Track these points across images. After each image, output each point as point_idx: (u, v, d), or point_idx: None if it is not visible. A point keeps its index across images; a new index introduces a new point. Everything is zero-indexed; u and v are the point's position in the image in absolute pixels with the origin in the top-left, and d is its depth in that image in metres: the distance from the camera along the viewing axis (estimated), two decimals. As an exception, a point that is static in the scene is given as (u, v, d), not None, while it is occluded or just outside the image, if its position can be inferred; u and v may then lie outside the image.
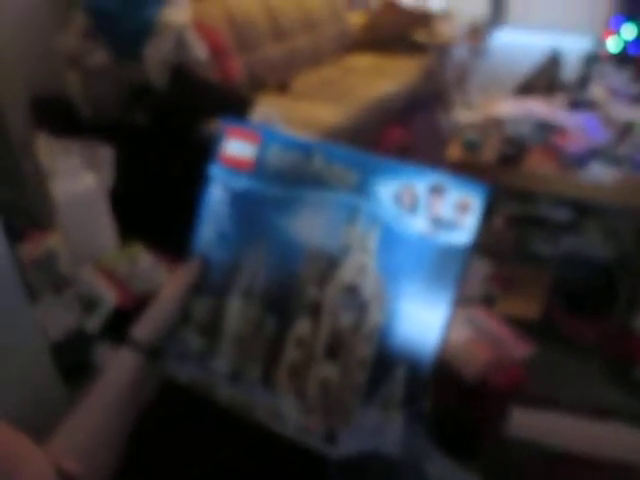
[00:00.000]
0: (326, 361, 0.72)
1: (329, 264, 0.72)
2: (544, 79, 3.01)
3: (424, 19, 3.25)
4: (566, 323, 1.73)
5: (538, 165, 1.67)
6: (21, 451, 0.43)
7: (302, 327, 0.73)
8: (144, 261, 0.97)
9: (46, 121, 1.78)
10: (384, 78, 3.01)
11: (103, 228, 1.00)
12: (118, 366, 0.71)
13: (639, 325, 1.68)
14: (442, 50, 3.21)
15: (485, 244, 1.88)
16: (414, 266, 0.67)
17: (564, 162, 1.65)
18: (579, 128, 1.73)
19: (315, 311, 0.72)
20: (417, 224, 0.67)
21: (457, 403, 1.25)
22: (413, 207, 0.67)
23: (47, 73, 2.08)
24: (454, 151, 1.79)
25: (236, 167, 0.76)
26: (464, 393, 1.25)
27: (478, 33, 3.40)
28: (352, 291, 0.70)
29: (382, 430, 0.70)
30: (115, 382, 0.70)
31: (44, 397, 0.76)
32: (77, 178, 0.97)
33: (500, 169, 1.71)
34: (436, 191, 0.66)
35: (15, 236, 1.04)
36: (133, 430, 0.72)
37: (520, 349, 1.34)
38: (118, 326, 0.90)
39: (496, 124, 1.80)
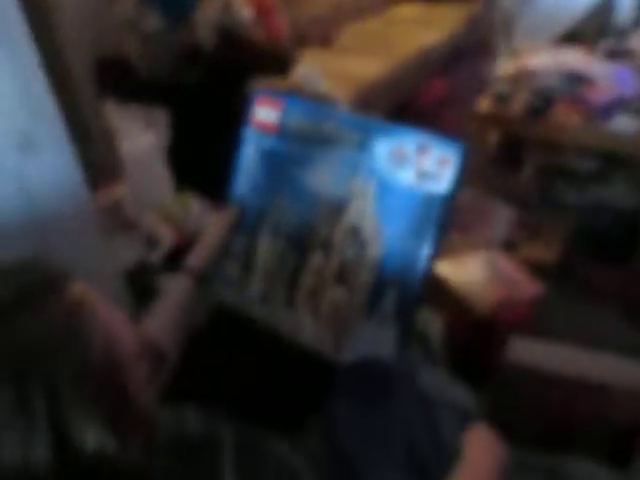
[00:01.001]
0: (336, 286, 0.90)
1: (337, 209, 0.89)
2: (594, 25, 2.95)
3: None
4: (587, 269, 1.82)
5: (564, 117, 1.74)
6: (120, 328, 0.58)
7: (317, 259, 0.91)
8: (194, 207, 1.16)
9: (108, 82, 1.99)
10: (428, 28, 3.03)
11: (160, 180, 1.20)
12: (175, 288, 0.91)
13: (659, 271, 1.76)
14: (488, -3, 3.17)
15: (512, 192, 1.98)
16: (404, 210, 0.83)
17: (590, 114, 1.71)
18: (609, 79, 1.76)
19: (327, 246, 0.90)
20: (406, 176, 0.83)
21: (469, 336, 1.41)
22: (403, 162, 0.83)
23: (109, 37, 2.28)
24: (484, 103, 1.87)
25: (264, 130, 0.93)
26: (476, 327, 1.41)
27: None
28: (355, 230, 0.87)
29: (379, 341, 0.87)
30: (173, 301, 0.91)
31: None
32: (137, 138, 1.16)
33: (527, 121, 1.79)
34: (422, 149, 0.81)
35: (90, 186, 1.25)
36: (187, 345, 0.92)
37: (530, 289, 1.47)
38: (175, 259, 1.11)
39: (527, 76, 1.86)
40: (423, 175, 0.81)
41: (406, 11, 3.32)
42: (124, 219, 1.22)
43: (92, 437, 0.47)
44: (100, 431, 0.47)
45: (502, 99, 1.84)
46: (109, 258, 1.07)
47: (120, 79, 2.14)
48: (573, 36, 2.84)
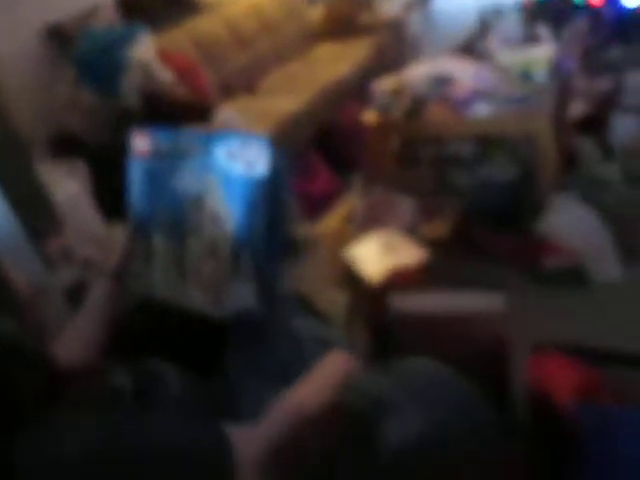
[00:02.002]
0: (209, 259, 1.19)
1: (199, 202, 1.18)
2: (481, 34, 3.34)
3: (366, 2, 3.63)
4: (482, 239, 2.11)
5: (435, 114, 2.07)
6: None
7: (193, 243, 1.20)
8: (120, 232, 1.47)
9: (61, 151, 2.33)
10: (341, 62, 3.42)
11: (91, 216, 1.50)
12: (96, 291, 1.20)
13: (540, 229, 2.05)
14: (391, 27, 3.58)
15: (412, 185, 2.29)
16: (243, 193, 1.13)
17: (454, 107, 2.04)
18: (468, 77, 2.10)
19: (197, 231, 1.19)
20: (238, 168, 1.13)
21: (366, 300, 1.67)
22: (234, 159, 1.13)
23: (58, 115, 2.63)
24: (369, 115, 2.20)
25: (141, 156, 1.24)
26: (372, 296, 1.67)
27: (420, 2, 3.75)
28: (214, 215, 1.17)
29: (245, 296, 1.15)
30: (93, 301, 1.19)
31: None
32: (64, 186, 1.47)
33: (407, 123, 2.11)
34: (244, 146, 1.12)
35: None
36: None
37: (419, 257, 1.75)
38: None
39: (404, 86, 2.20)
40: (249, 166, 1.11)
41: (322, 51, 3.73)
42: (65, 252, 1.51)
43: None
44: None
45: (385, 109, 2.17)
46: (51, 282, 1.36)
47: (72, 149, 2.49)
48: (467, 47, 3.23)
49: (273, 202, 1.14)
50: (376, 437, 0.79)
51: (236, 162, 1.14)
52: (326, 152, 3.08)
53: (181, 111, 2.42)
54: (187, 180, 1.20)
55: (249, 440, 0.81)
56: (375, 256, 1.78)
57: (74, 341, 1.11)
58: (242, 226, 1.14)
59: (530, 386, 1.29)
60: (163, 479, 0.75)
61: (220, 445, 0.75)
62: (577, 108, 2.61)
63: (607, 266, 2.05)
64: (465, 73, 2.16)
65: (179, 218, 1.21)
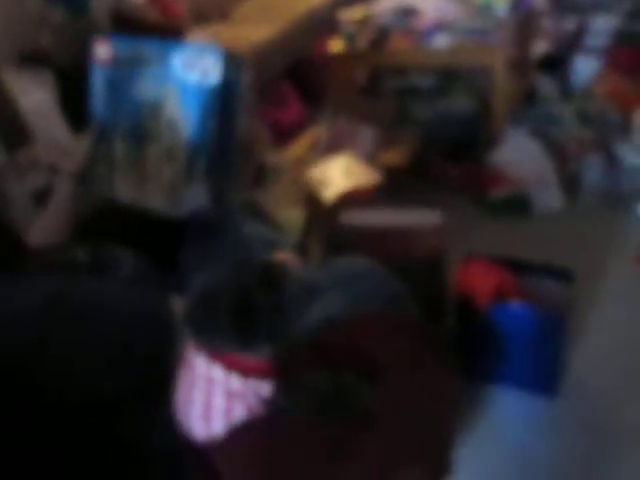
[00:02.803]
0: (167, 163, 1.29)
1: (158, 109, 1.27)
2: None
3: None
4: (436, 167, 2.23)
5: (398, 45, 2.13)
6: None
7: (152, 148, 1.30)
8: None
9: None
10: (317, -7, 3.40)
11: (57, 125, 1.58)
12: (59, 189, 1.30)
13: (491, 160, 2.18)
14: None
15: (374, 115, 2.38)
16: (198, 100, 1.22)
17: (417, 38, 2.10)
18: (431, 9, 2.16)
19: (156, 137, 1.29)
20: (194, 78, 1.22)
21: (322, 216, 1.80)
22: (191, 67, 1.22)
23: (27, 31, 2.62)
24: (335, 44, 2.26)
25: (103, 64, 1.32)
26: (326, 209, 1.80)
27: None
28: (170, 122, 1.26)
29: (198, 197, 1.27)
30: (58, 199, 1.30)
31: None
32: (32, 95, 1.54)
33: (371, 53, 2.18)
34: (200, 56, 1.20)
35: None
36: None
37: (373, 180, 1.87)
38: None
39: (369, 17, 2.25)
40: (203, 74, 1.20)
41: (299, -19, 3.69)
42: (34, 161, 1.60)
43: None
44: None
45: (350, 38, 2.23)
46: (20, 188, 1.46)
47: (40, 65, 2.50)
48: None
49: (226, 110, 1.23)
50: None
51: (192, 71, 1.22)
52: (298, 83, 3.13)
53: (151, 35, 2.44)
54: (146, 88, 1.28)
55: None
56: (334, 179, 1.89)
57: (39, 231, 1.22)
58: (197, 132, 1.24)
59: (457, 289, 1.44)
60: (108, 335, 0.87)
61: (163, 310, 0.88)
62: (541, 47, 2.69)
63: (550, 197, 2.20)
64: (429, 5, 2.21)
65: (139, 124, 1.30)
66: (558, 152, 2.22)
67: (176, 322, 0.94)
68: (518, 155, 2.19)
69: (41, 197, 1.50)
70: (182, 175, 1.27)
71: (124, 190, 1.34)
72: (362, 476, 0.77)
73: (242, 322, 0.80)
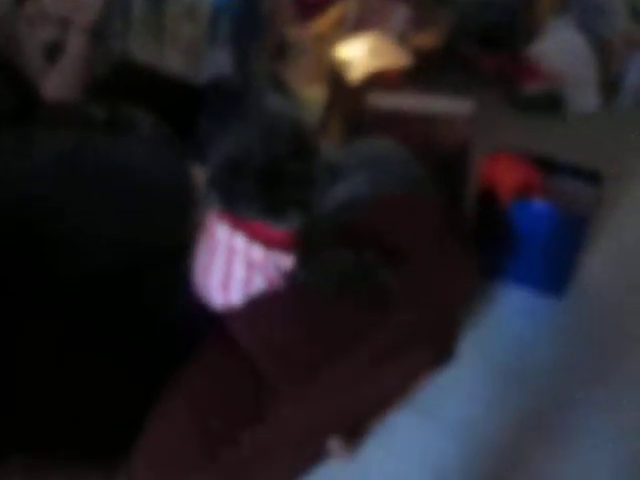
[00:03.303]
0: (187, 23, 1.20)
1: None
2: None
3: None
4: (469, 54, 2.09)
5: None
6: None
7: (171, 5, 1.20)
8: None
9: None
10: None
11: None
12: (73, 44, 1.22)
13: (529, 52, 2.03)
14: None
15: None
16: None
17: None
18: None
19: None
20: None
21: (345, 96, 1.71)
22: None
23: None
24: None
25: None
26: (351, 89, 1.71)
27: None
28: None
29: (220, 62, 1.18)
30: (72, 55, 1.22)
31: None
32: None
33: None
34: None
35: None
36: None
37: (402, 62, 1.75)
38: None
39: None
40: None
41: None
42: (43, 12, 1.49)
43: None
44: None
45: None
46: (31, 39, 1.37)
47: None
48: None
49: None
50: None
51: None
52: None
53: None
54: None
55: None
56: (360, 58, 1.78)
57: (52, 86, 1.16)
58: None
59: (480, 182, 1.40)
60: (124, 200, 0.85)
61: (180, 171, 0.85)
62: None
63: (586, 97, 2.08)
64: None
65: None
66: (603, 49, 2.06)
67: (194, 188, 0.91)
68: (559, 49, 2.04)
69: (53, 51, 1.43)
70: (203, 37, 1.19)
71: (140, 49, 1.26)
72: (375, 355, 0.79)
73: (271, 189, 0.77)
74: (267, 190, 0.76)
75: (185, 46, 1.21)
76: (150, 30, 1.24)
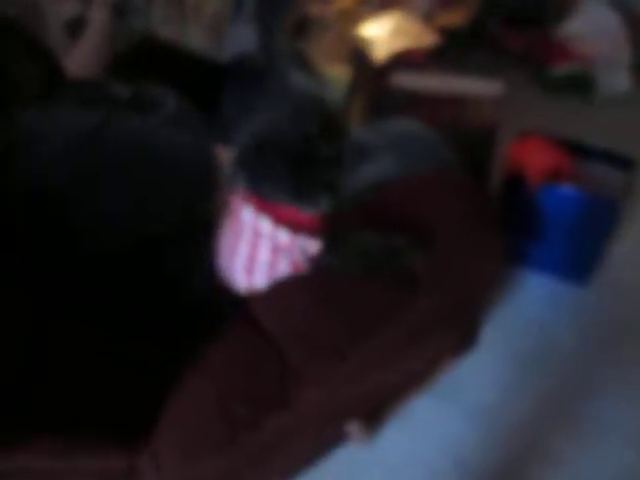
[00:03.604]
0: (210, -2, 1.17)
1: None
2: None
3: None
4: (498, 33, 2.03)
5: None
6: None
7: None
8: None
9: None
10: None
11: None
12: (95, 19, 1.20)
13: (559, 32, 1.96)
14: None
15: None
16: None
17: None
18: None
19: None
20: None
21: (370, 75, 1.68)
22: None
23: None
24: None
25: None
26: (375, 68, 1.67)
27: None
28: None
29: (245, 39, 1.16)
30: (94, 30, 1.20)
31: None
32: None
33: None
34: None
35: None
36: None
37: (428, 41, 1.71)
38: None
39: None
40: None
41: None
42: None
43: None
44: None
45: None
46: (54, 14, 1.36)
47: None
48: None
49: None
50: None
51: None
52: None
53: None
54: None
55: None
56: (385, 37, 1.73)
57: (75, 62, 1.15)
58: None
59: (508, 165, 1.36)
60: (147, 178, 0.84)
61: (203, 149, 0.83)
62: None
63: (618, 79, 2.01)
64: None
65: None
66: (637, 28, 1.99)
67: (217, 166, 0.90)
68: (591, 28, 1.97)
69: (76, 27, 1.41)
70: (227, 13, 1.16)
71: (163, 25, 1.24)
72: (399, 338, 0.77)
73: (300, 171, 0.75)
74: (296, 171, 0.74)
75: (208, 22, 1.18)
76: (172, 6, 1.22)
